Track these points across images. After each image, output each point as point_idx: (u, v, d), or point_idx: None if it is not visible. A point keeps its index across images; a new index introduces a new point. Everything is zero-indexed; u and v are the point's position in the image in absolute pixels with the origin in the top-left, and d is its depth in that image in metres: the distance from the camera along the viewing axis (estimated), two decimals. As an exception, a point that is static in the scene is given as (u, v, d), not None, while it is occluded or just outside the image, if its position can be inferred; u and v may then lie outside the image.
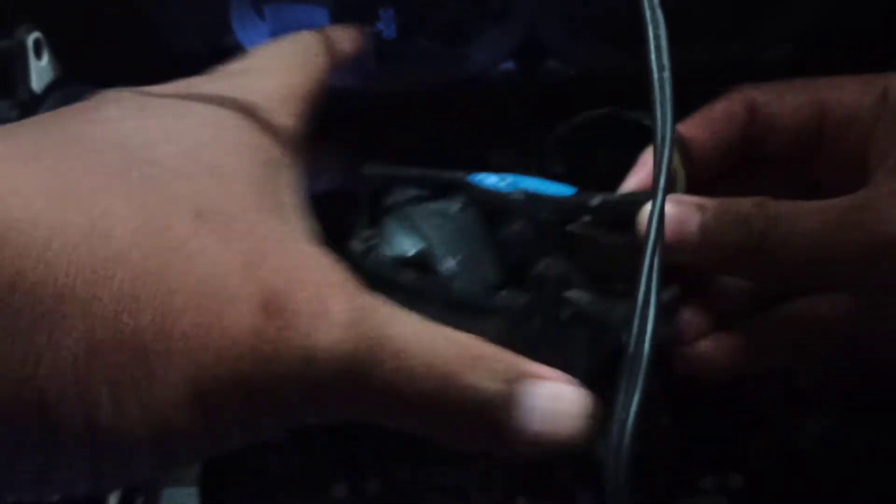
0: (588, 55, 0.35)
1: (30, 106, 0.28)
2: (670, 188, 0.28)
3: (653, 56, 0.23)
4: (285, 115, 0.24)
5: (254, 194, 0.20)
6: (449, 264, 0.24)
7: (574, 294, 0.25)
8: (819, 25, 0.34)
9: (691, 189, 0.28)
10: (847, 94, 0.28)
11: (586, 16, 0.34)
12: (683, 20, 0.31)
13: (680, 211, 0.25)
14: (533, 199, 0.26)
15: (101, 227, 0.16)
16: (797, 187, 0.30)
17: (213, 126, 0.22)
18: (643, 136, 0.30)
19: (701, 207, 0.25)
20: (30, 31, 0.29)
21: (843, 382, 0.36)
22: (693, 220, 0.25)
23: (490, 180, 0.28)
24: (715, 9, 0.33)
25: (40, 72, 0.29)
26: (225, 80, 0.25)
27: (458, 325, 0.21)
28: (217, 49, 0.36)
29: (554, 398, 0.20)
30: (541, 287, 0.24)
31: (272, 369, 0.17)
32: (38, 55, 0.29)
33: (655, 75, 0.23)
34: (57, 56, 0.30)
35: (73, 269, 0.15)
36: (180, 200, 0.18)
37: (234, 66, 0.26)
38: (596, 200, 0.26)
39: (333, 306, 0.18)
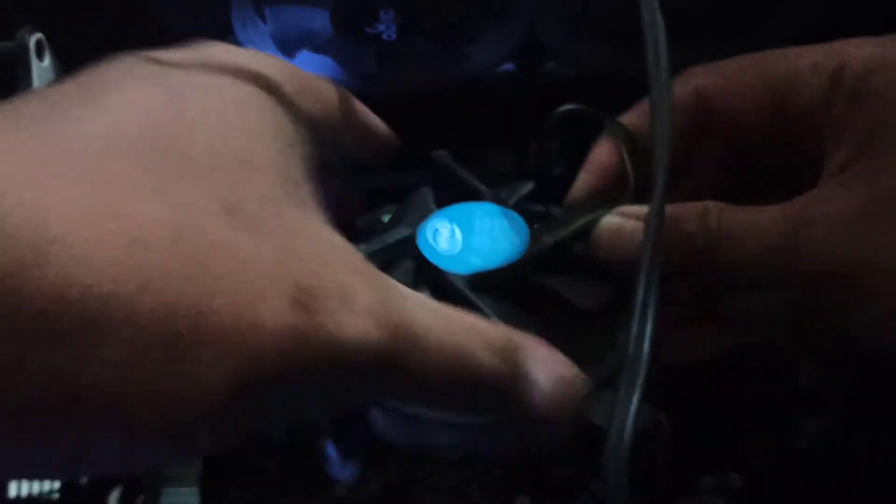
0: (588, 56, 0.35)
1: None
2: (620, 198, 0.27)
3: (652, 57, 0.23)
4: (306, 99, 0.23)
5: (279, 184, 0.20)
6: None
7: None
8: (819, 25, 0.34)
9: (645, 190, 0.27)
10: (800, 78, 0.26)
11: (586, 16, 0.34)
12: (683, 20, 0.31)
13: (622, 225, 0.25)
14: (476, 277, 0.25)
15: (139, 238, 0.17)
16: (781, 174, 0.28)
17: (238, 106, 0.21)
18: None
19: (645, 221, 0.24)
20: (32, 33, 0.29)
21: (844, 382, 0.36)
22: (637, 236, 0.24)
23: (441, 236, 0.27)
24: (715, 9, 0.33)
25: (42, 72, 0.29)
26: (245, 51, 0.24)
27: None
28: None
29: (548, 365, 0.21)
30: None
31: (305, 362, 0.17)
32: (40, 56, 0.29)
33: (654, 76, 0.23)
34: (59, 57, 0.30)
35: (116, 282, 0.16)
36: (213, 198, 0.18)
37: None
38: (548, 243, 0.26)
39: (359, 296, 0.18)
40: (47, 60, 0.29)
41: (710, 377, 0.37)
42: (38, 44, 0.29)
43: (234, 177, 0.19)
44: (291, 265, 0.18)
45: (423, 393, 0.20)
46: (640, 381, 0.21)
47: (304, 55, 0.36)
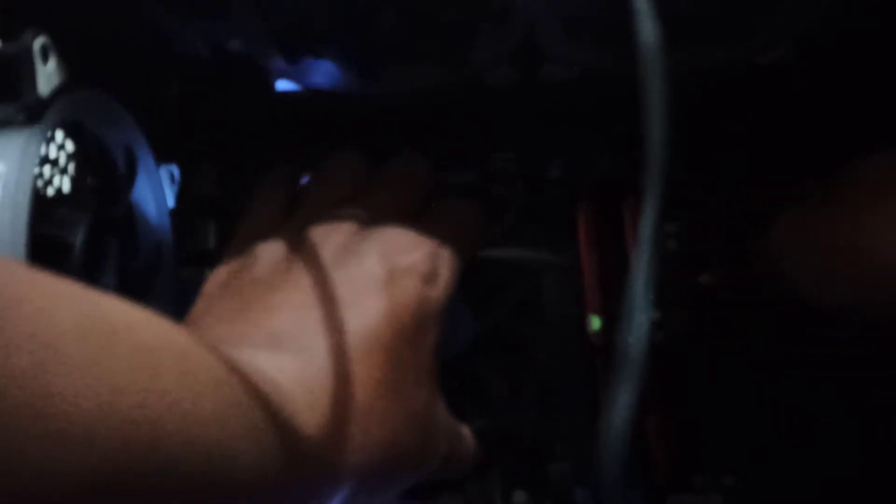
0: (586, 58, 0.36)
1: (36, 110, 0.28)
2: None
3: (648, 59, 0.24)
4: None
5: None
6: None
7: None
8: (819, 25, 0.34)
9: None
10: None
11: (585, 19, 0.34)
12: (680, 22, 0.32)
13: None
14: None
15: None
16: None
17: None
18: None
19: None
20: (36, 36, 0.29)
21: (841, 380, 0.36)
22: None
23: None
24: (713, 10, 0.34)
25: (47, 76, 0.29)
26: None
27: None
28: (219, 53, 0.37)
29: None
30: None
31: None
32: (45, 60, 0.29)
33: (651, 78, 0.23)
34: (63, 60, 0.30)
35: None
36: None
37: None
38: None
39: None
40: (52, 64, 0.29)
41: (706, 375, 0.37)
42: (43, 47, 0.29)
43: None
44: (426, 427, 0.30)
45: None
46: (635, 378, 0.21)
47: (307, 57, 0.36)
